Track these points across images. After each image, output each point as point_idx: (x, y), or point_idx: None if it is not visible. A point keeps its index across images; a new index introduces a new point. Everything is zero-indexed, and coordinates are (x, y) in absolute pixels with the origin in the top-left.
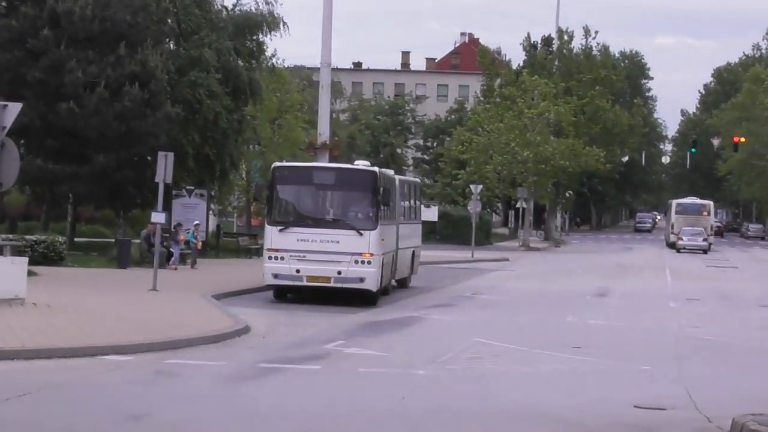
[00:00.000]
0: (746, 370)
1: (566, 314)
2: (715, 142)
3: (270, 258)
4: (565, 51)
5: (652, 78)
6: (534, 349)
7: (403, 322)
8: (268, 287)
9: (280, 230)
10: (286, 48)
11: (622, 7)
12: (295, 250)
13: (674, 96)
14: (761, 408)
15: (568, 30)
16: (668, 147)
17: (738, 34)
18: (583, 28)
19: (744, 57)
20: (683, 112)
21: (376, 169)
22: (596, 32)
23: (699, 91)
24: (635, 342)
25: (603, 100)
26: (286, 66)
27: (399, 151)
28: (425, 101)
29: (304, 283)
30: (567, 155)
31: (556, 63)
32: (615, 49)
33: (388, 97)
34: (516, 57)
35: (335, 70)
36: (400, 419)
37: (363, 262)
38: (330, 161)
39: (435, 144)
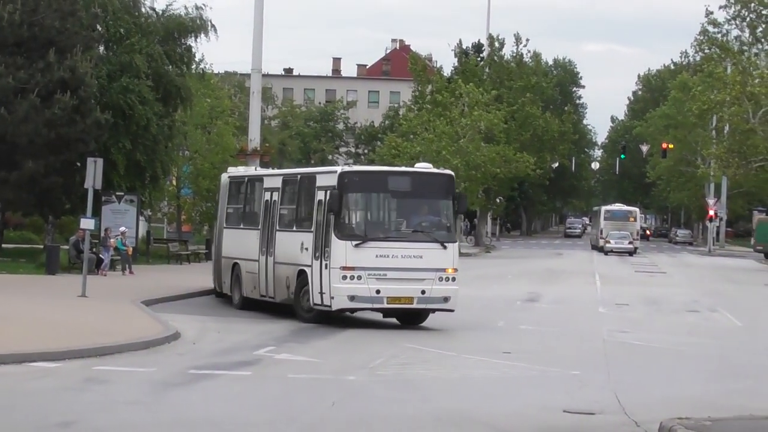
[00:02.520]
0: (674, 375)
1: (497, 319)
2: (644, 148)
3: (344, 278)
4: (496, 58)
5: (583, 87)
6: (464, 355)
7: (333, 328)
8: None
9: (356, 245)
10: (216, 54)
11: (551, 14)
12: (375, 268)
13: (604, 103)
14: (688, 412)
15: (499, 37)
16: (598, 153)
17: (665, 41)
18: (514, 35)
19: (672, 64)
20: (613, 119)
21: (451, 172)
22: (527, 40)
23: (628, 97)
24: (565, 347)
25: (534, 107)
26: (217, 72)
27: (330, 157)
28: (356, 107)
29: (385, 305)
30: (498, 162)
31: (487, 70)
32: (548, 56)
33: (320, 103)
34: (447, 63)
35: (266, 76)
36: (330, 425)
37: (448, 279)
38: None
39: (366, 150)
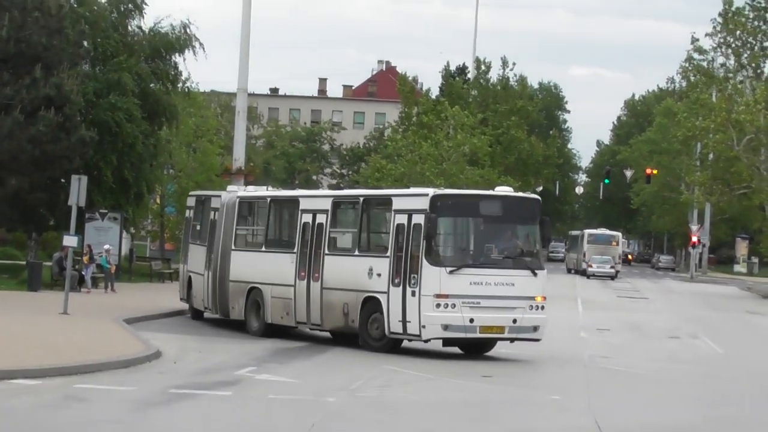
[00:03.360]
0: (655, 401)
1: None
2: (628, 173)
3: (438, 306)
4: (482, 81)
5: (569, 111)
6: (445, 378)
7: (314, 349)
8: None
9: (451, 272)
10: (203, 73)
11: (538, 37)
12: (469, 296)
13: (589, 127)
14: None
15: (486, 60)
16: (582, 177)
17: (651, 66)
18: (501, 58)
19: (657, 90)
20: (598, 143)
21: (538, 197)
22: (513, 63)
23: (613, 122)
24: (546, 371)
25: (519, 130)
26: (203, 91)
27: (314, 177)
28: (341, 128)
29: (477, 334)
30: (481, 185)
31: (473, 93)
32: (534, 80)
33: (305, 123)
34: (433, 85)
35: (252, 95)
36: None
37: (537, 307)
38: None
39: (351, 172)
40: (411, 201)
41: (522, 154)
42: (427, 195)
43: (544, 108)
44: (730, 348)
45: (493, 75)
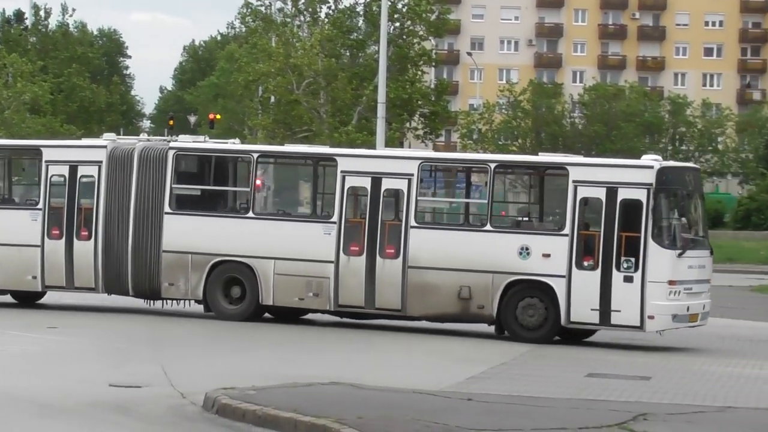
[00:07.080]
0: (222, 348)
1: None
2: (192, 119)
3: (670, 294)
4: (41, 27)
5: (129, 57)
6: (9, 330)
7: None
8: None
9: (679, 255)
10: None
11: None
12: (688, 281)
13: (153, 73)
14: (235, 382)
15: (46, 6)
16: (147, 124)
17: (210, 12)
18: (61, 4)
19: (219, 35)
20: (161, 89)
21: None
22: (74, 9)
23: (175, 68)
24: (112, 321)
25: (80, 78)
26: None
27: None
28: None
29: (687, 323)
30: (44, 134)
31: (32, 40)
32: (94, 26)
33: None
34: None
35: None
36: None
37: (710, 290)
38: None
39: None
40: (613, 173)
41: (84, 101)
42: (652, 168)
43: (106, 54)
44: None
45: (53, 21)
